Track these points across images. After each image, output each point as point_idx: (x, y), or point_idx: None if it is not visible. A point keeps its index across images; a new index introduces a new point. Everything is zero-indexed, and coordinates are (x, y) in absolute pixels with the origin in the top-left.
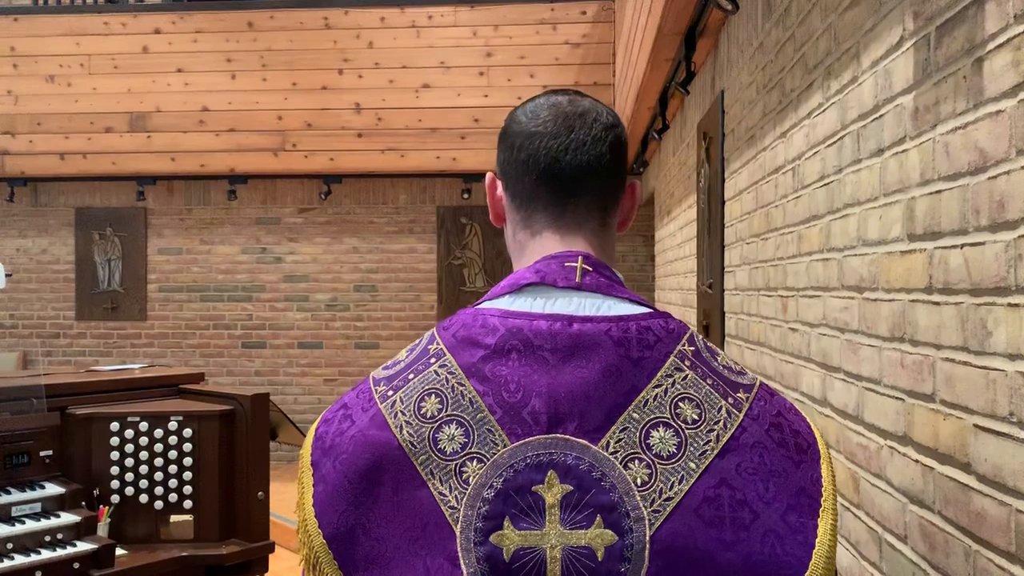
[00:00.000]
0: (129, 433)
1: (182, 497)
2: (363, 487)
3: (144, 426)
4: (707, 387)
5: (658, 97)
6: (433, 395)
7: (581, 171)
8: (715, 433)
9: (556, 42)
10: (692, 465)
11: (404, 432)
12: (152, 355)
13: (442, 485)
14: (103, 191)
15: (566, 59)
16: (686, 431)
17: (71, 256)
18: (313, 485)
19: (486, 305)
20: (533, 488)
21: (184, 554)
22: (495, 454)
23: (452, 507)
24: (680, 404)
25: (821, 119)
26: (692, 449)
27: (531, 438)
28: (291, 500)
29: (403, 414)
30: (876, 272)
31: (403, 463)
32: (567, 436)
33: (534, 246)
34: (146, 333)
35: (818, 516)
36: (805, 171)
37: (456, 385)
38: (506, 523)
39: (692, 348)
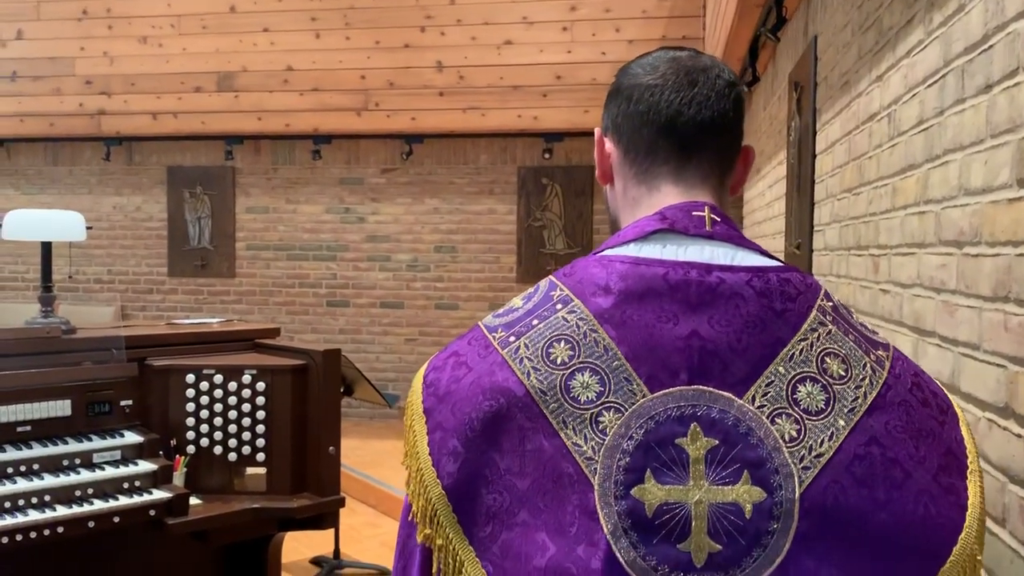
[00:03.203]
0: (204, 385)
1: (255, 450)
2: (486, 435)
3: (219, 378)
4: (851, 343)
5: (748, 47)
6: (563, 341)
7: (704, 127)
8: (862, 390)
9: None
10: (841, 422)
11: (532, 379)
12: (240, 312)
13: (576, 435)
14: (193, 150)
15: (654, 12)
16: (834, 387)
17: (163, 214)
18: (428, 433)
19: (610, 252)
20: (676, 441)
21: (256, 506)
22: (634, 404)
23: (589, 458)
24: (826, 359)
25: (921, 57)
26: (840, 405)
27: (672, 389)
28: (374, 458)
29: (529, 360)
30: (979, 224)
31: (532, 411)
32: (710, 388)
33: (651, 200)
34: (235, 290)
35: (966, 477)
36: (901, 116)
37: (588, 332)
38: (648, 477)
39: (830, 304)
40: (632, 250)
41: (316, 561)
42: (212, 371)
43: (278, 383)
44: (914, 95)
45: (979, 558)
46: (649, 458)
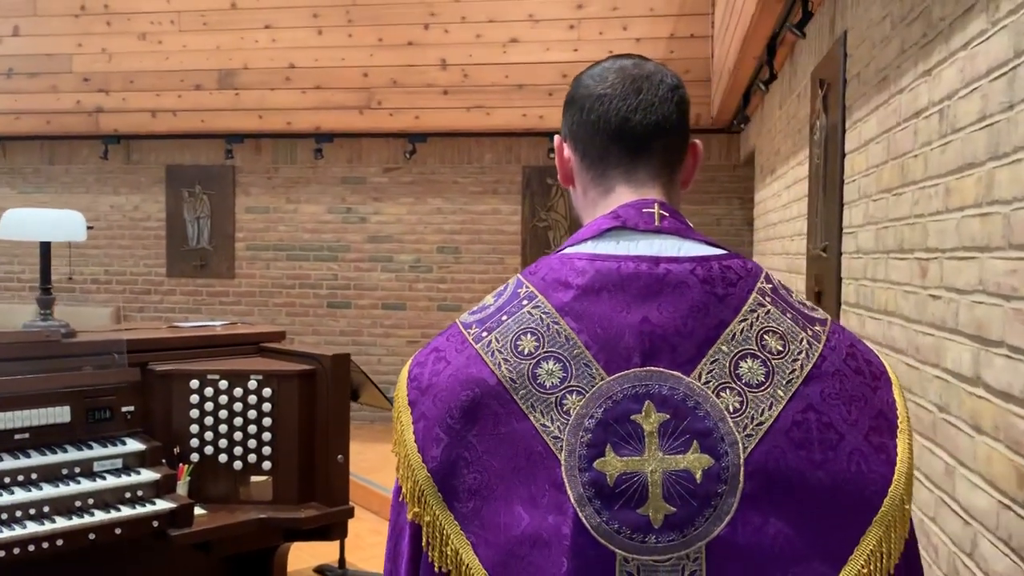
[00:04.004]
0: (209, 391)
1: (261, 458)
2: (464, 422)
3: (224, 384)
4: (788, 321)
5: (766, 44)
6: (529, 334)
7: (650, 129)
8: (799, 363)
9: None
10: (780, 392)
11: (503, 369)
12: (239, 313)
13: (543, 417)
14: (192, 149)
15: (662, 10)
16: (772, 361)
17: (162, 213)
18: (413, 422)
19: (570, 250)
20: (632, 417)
21: (262, 516)
22: (593, 387)
23: (555, 437)
24: (765, 336)
25: (984, 48)
26: (779, 378)
27: (627, 371)
28: (376, 462)
29: (500, 352)
30: None
31: (503, 398)
32: (660, 368)
33: (607, 201)
34: (234, 291)
35: (896, 437)
36: (957, 112)
37: (551, 324)
38: (608, 450)
39: (770, 286)
40: (589, 247)
41: (320, 570)
42: (216, 376)
43: (285, 389)
44: (974, 89)
45: (907, 507)
46: (609, 434)
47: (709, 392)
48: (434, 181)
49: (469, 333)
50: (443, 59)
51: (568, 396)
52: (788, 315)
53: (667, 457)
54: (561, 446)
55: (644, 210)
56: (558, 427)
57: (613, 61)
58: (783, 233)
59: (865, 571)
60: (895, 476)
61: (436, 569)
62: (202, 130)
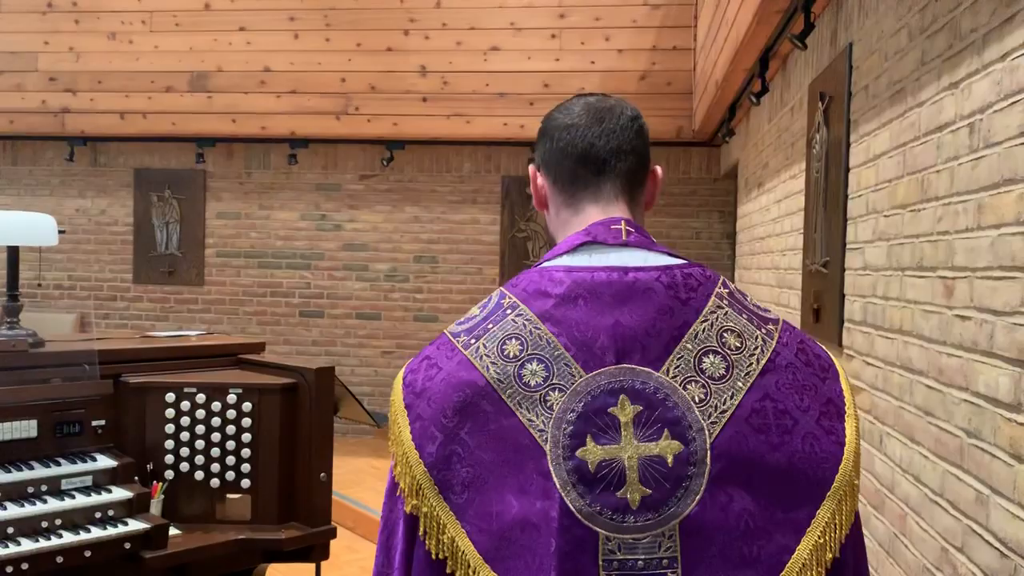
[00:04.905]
0: (185, 405)
1: (240, 476)
2: (457, 421)
3: (201, 398)
4: (744, 320)
5: (759, 56)
6: (513, 339)
7: (613, 153)
8: (755, 357)
9: (634, 3)
10: (739, 384)
11: (491, 371)
12: (209, 321)
13: (529, 413)
14: (162, 152)
15: (644, 21)
16: (732, 356)
17: (129, 218)
18: (410, 423)
19: (547, 264)
20: (609, 410)
21: (241, 537)
22: (573, 384)
23: (540, 430)
24: (725, 335)
25: None
26: (738, 371)
27: (602, 369)
28: (350, 477)
29: (487, 357)
30: None
31: (492, 398)
32: (632, 366)
33: (578, 220)
34: (203, 298)
35: (844, 421)
36: (992, 126)
37: (533, 329)
38: (588, 440)
39: (727, 290)
40: (565, 260)
41: None
42: (194, 389)
43: (266, 403)
44: (1015, 103)
45: (856, 483)
46: (588, 425)
47: (677, 385)
48: (412, 189)
49: (458, 341)
50: (423, 66)
51: (551, 393)
52: (744, 316)
53: (641, 444)
54: (546, 438)
55: (612, 227)
56: (543, 421)
57: (579, 98)
58: (772, 248)
59: (821, 541)
60: (844, 455)
61: (434, 556)
62: (172, 133)
